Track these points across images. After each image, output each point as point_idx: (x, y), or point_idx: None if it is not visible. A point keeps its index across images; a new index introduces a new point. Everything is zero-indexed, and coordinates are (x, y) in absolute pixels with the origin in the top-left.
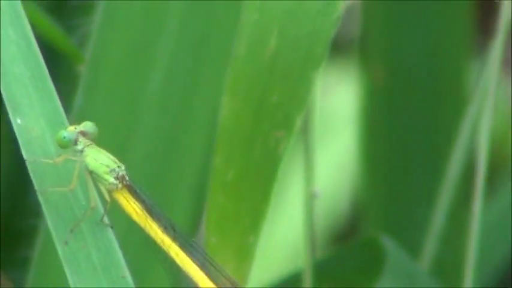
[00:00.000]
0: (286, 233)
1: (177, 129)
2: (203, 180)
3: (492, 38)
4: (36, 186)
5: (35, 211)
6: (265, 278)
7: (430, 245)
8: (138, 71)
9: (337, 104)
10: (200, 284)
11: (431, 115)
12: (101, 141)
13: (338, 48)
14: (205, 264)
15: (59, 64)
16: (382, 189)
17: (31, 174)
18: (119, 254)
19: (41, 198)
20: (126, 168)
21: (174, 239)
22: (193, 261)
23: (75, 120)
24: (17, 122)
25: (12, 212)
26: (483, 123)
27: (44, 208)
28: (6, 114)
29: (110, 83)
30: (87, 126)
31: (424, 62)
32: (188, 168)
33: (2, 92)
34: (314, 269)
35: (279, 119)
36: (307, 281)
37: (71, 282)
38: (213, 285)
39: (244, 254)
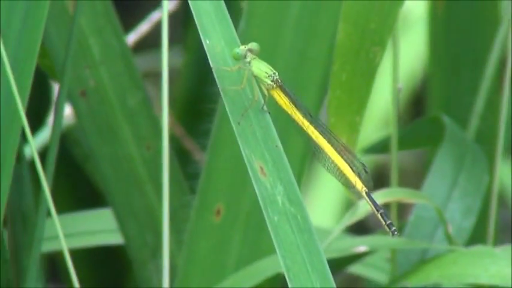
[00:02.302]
0: (380, 112)
1: (308, 45)
2: (326, 80)
3: None
4: (219, 85)
5: (213, 99)
6: (366, 142)
7: (474, 121)
8: (281, 9)
9: (414, 15)
10: (329, 153)
11: (477, 28)
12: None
13: None
14: (330, 139)
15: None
16: (443, 80)
17: (216, 77)
18: (274, 130)
19: (222, 93)
20: (279, 74)
21: (311, 122)
22: (324, 137)
23: (239, 39)
24: (206, 42)
25: (199, 100)
26: (510, 36)
27: (224, 100)
28: None
29: (262, 14)
30: (253, 45)
31: None
32: (316, 72)
33: (196, 21)
34: (399, 135)
35: (375, 39)
36: (394, 144)
37: (242, 149)
38: (340, 158)
39: (353, 128)
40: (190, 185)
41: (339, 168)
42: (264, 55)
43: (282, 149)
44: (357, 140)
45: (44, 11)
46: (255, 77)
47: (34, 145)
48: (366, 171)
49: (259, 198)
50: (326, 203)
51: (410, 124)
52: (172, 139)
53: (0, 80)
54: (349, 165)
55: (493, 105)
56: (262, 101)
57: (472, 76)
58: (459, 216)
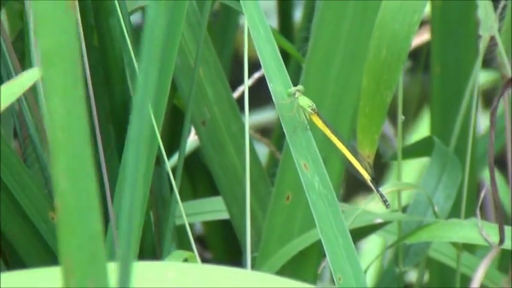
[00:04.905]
0: None
1: (344, 90)
2: (356, 112)
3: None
4: (278, 112)
5: None
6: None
7: (453, 141)
8: (325, 67)
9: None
10: (345, 154)
11: (460, 79)
12: (311, 94)
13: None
14: (348, 146)
15: (294, 63)
16: (435, 118)
17: (276, 107)
18: (313, 140)
19: (280, 118)
20: (317, 106)
21: (336, 135)
22: (342, 143)
23: (301, 84)
24: (270, 85)
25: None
26: (476, 81)
27: (282, 121)
28: None
29: (314, 71)
30: (299, 87)
31: (456, 64)
32: (350, 108)
33: (264, 72)
34: (404, 149)
35: (386, 86)
36: (399, 155)
37: (293, 152)
38: (353, 157)
39: (373, 143)
40: (272, 181)
41: (352, 164)
42: (316, 92)
43: (318, 152)
44: (374, 151)
45: (172, 64)
46: (301, 107)
47: (167, 157)
48: (370, 168)
49: (303, 184)
50: None
51: (413, 142)
52: None
53: (142, 115)
54: (359, 161)
55: (465, 131)
56: (306, 122)
57: (451, 113)
58: (442, 201)
